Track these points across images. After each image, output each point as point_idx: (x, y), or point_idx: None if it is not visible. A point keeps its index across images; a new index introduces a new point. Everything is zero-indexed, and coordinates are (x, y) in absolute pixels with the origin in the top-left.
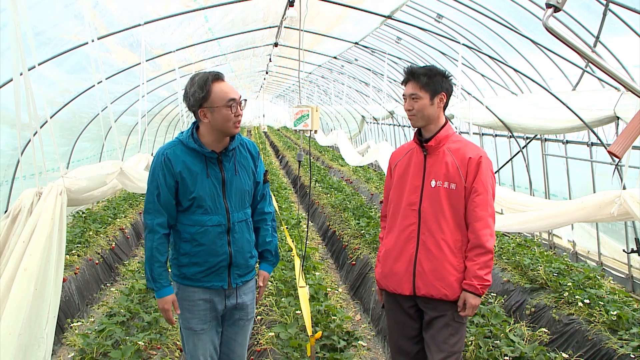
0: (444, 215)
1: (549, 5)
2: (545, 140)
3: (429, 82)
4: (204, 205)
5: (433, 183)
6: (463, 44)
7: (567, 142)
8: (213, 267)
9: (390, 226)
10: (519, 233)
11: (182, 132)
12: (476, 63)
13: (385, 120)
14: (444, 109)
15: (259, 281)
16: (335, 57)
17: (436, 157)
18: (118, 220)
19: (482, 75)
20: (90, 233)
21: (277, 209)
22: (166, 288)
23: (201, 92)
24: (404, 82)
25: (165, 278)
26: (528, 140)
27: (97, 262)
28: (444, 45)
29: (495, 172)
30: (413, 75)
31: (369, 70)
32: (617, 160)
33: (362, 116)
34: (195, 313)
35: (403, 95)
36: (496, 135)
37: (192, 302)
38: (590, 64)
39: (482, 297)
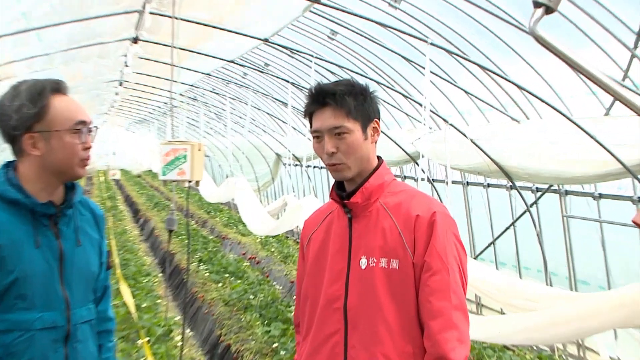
0: (383, 313)
1: (537, 4)
2: (566, 193)
3: (358, 104)
4: (28, 295)
5: (364, 262)
6: (431, 44)
7: (601, 196)
8: None
9: (304, 337)
10: (529, 346)
11: None
12: (457, 73)
13: (313, 160)
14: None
15: None
16: (232, 61)
17: (367, 219)
18: None
19: (466, 92)
20: None
21: (134, 310)
22: None
23: (33, 107)
24: (313, 111)
25: None
26: (539, 194)
27: None
28: (407, 45)
29: (491, 244)
30: (331, 96)
31: (287, 81)
32: None
33: (277, 154)
34: None
35: (314, 131)
36: (488, 186)
37: None
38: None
39: None
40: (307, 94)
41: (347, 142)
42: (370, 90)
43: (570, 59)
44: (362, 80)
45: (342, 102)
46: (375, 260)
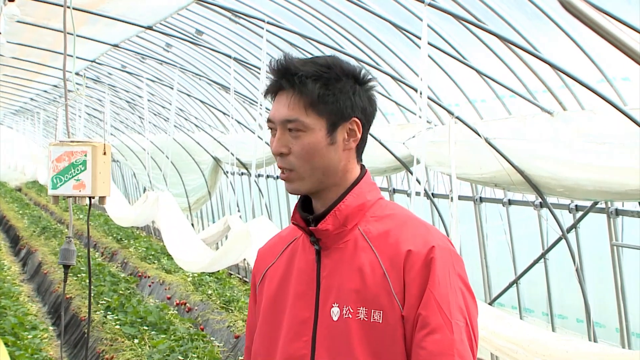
0: None
1: None
2: (617, 213)
3: (327, 94)
4: None
5: (336, 312)
6: (430, 4)
7: None
8: None
9: None
10: None
11: None
12: (468, 47)
13: (265, 167)
14: (360, 150)
15: None
16: (150, 28)
17: (340, 253)
18: None
19: (480, 74)
20: None
21: None
22: None
23: None
24: (273, 92)
25: None
26: (580, 214)
27: None
28: (398, 7)
29: (513, 284)
30: (290, 77)
31: (229, 57)
32: None
33: (215, 159)
34: None
35: (269, 121)
36: (509, 203)
37: None
38: None
39: None
40: (268, 67)
41: (303, 142)
42: (365, 77)
43: (610, 32)
44: (348, 60)
45: (302, 88)
46: (350, 310)
